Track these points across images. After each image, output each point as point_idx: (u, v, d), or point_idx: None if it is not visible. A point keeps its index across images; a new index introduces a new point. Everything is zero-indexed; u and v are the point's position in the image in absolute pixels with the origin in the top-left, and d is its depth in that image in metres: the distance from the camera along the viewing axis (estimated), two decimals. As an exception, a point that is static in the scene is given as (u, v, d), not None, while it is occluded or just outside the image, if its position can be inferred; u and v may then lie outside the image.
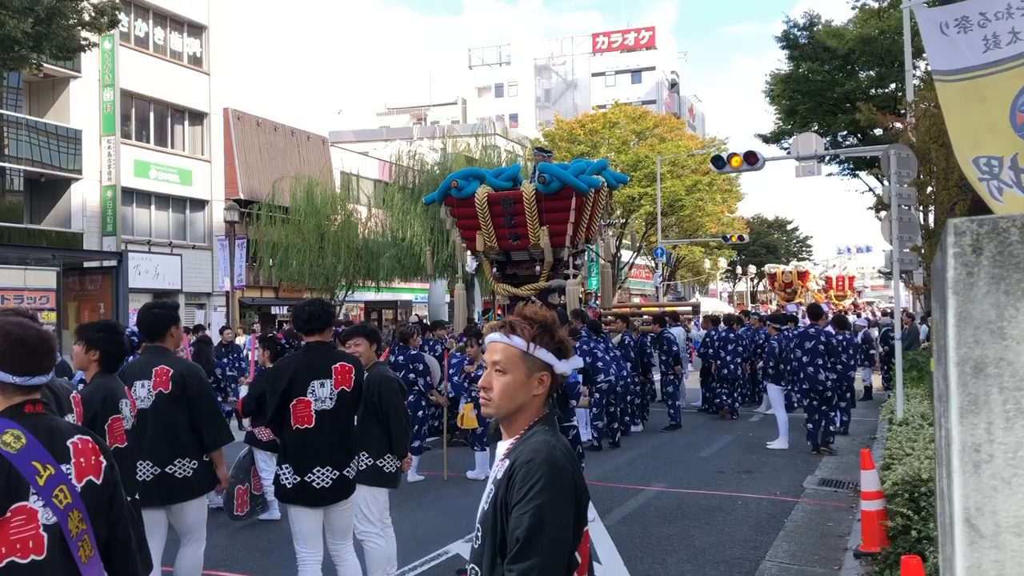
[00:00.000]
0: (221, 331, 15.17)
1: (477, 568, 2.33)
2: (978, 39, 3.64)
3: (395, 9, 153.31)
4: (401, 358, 10.25)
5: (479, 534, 2.35)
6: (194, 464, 4.89)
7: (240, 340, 17.25)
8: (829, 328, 12.19)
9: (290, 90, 46.72)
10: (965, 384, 1.49)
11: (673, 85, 75.11)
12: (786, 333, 12.82)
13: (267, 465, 7.69)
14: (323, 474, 4.83)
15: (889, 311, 25.20)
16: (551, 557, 2.14)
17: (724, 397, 15.30)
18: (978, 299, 1.48)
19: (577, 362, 2.14)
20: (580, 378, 8.26)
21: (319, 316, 5.07)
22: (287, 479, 4.87)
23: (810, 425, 11.68)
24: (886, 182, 11.74)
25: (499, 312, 14.97)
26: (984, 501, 1.48)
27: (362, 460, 5.30)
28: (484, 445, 10.07)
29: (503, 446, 2.40)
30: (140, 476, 4.66)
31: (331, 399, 4.90)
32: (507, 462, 2.31)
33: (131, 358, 6.11)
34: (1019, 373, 1.46)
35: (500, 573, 2.22)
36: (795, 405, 12.43)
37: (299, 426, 4.85)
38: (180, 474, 4.83)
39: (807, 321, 13.38)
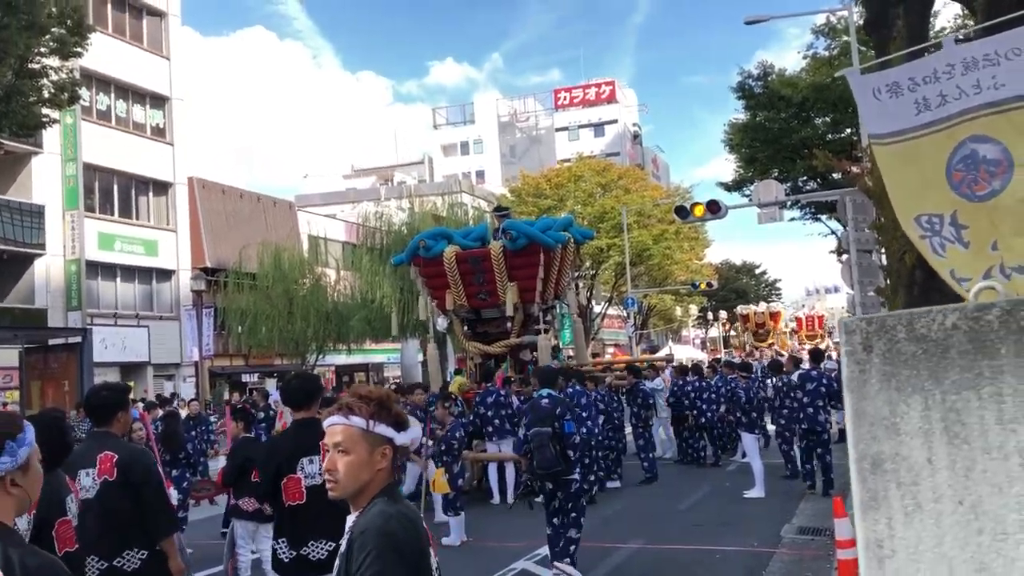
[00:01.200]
0: (188, 403, 14.96)
1: None
2: (909, 103, 3.76)
3: (359, 72, 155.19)
4: None
5: None
6: (142, 555, 4.60)
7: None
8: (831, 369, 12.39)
9: (255, 157, 46.94)
10: (864, 480, 1.50)
11: (636, 137, 76.27)
12: (782, 378, 12.83)
13: (245, 540, 7.54)
14: (319, 547, 4.82)
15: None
16: None
17: (702, 447, 15.32)
18: (871, 396, 1.51)
19: (416, 431, 2.22)
20: (574, 428, 8.36)
21: (305, 391, 5.06)
22: (284, 553, 4.89)
23: (808, 465, 12.03)
24: (846, 226, 11.93)
25: (472, 371, 14.93)
26: (890, 598, 1.48)
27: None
28: (458, 510, 9.94)
29: (349, 520, 2.49)
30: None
31: (320, 475, 4.77)
32: (348, 535, 2.42)
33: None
34: (914, 468, 1.48)
35: None
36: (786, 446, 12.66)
37: (291, 503, 4.88)
38: (129, 567, 4.55)
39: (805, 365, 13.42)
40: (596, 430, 12.49)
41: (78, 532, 4.22)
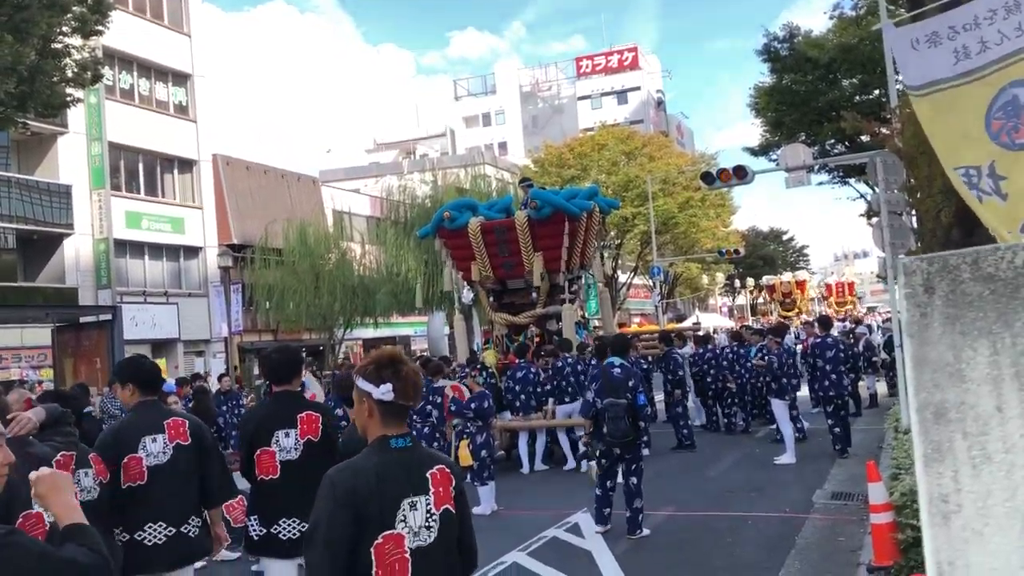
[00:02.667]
0: (219, 379, 15.07)
1: None
2: (948, 52, 3.62)
3: (380, 46, 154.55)
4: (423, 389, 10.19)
5: None
6: (199, 523, 4.69)
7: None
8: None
9: (278, 132, 47.03)
10: (927, 431, 1.41)
11: (659, 104, 75.47)
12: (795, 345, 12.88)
13: None
14: (290, 525, 4.69)
15: (890, 316, 25.10)
16: (321, 550, 2.63)
17: (732, 413, 15.27)
18: (933, 341, 1.41)
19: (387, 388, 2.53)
20: (645, 400, 8.89)
21: (286, 365, 4.94)
22: (254, 530, 4.77)
23: (837, 429, 12.03)
24: (875, 188, 11.71)
25: (497, 342, 14.92)
26: (956, 554, 1.40)
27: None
28: (484, 480, 9.95)
29: None
30: (149, 540, 4.41)
31: (296, 449, 4.73)
32: None
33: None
34: (982, 417, 1.39)
35: None
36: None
37: (264, 477, 4.73)
38: (192, 534, 4.62)
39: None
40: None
41: (146, 498, 4.34)
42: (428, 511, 2.76)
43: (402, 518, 2.71)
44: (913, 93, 3.88)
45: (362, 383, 2.83)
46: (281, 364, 4.93)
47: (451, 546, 2.85)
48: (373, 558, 2.66)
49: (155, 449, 4.51)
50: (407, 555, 2.70)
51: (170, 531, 4.48)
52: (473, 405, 10.29)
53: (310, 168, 39.32)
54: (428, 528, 2.76)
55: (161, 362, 23.76)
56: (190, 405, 11.40)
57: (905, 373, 1.49)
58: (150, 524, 4.43)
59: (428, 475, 2.82)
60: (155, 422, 4.58)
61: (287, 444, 4.73)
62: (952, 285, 1.41)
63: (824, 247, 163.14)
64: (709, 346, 15.74)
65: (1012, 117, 3.51)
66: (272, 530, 4.71)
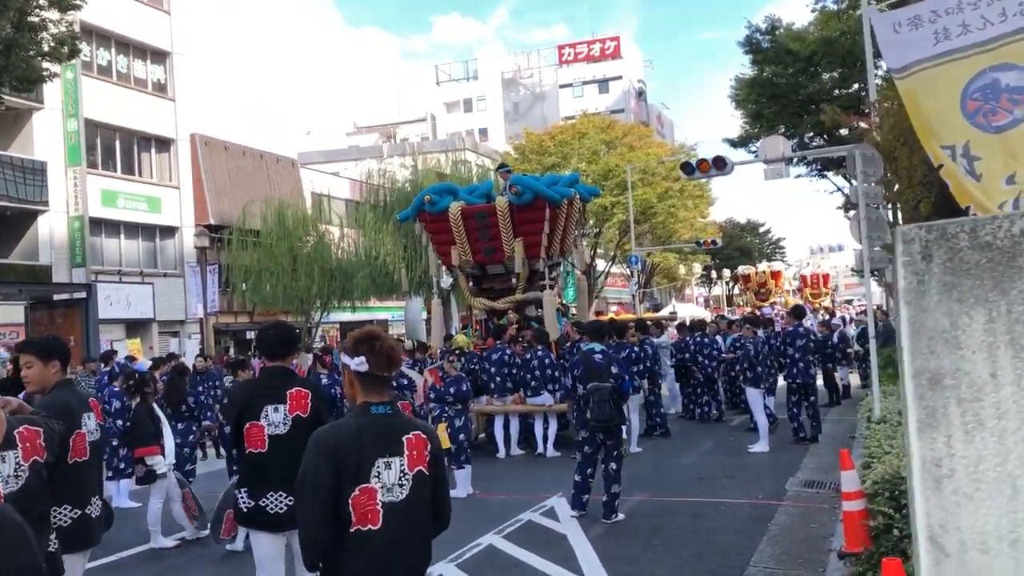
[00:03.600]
0: (195, 358, 14.99)
1: None
2: (928, 33, 3.68)
3: (363, 28, 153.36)
4: None
5: None
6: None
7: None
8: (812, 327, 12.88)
9: (257, 113, 46.56)
10: (922, 397, 1.43)
11: (640, 94, 75.48)
12: (766, 334, 13.01)
13: None
14: (277, 499, 4.75)
15: (864, 309, 25.36)
16: (309, 496, 3.08)
17: (705, 402, 15.35)
18: (930, 308, 1.43)
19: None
20: (629, 387, 9.17)
21: (280, 340, 5.00)
22: (243, 503, 4.85)
23: (803, 417, 12.47)
24: (853, 182, 11.81)
25: (477, 327, 14.91)
26: (948, 518, 1.42)
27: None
28: (461, 463, 9.98)
29: None
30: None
31: (285, 424, 4.78)
32: None
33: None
34: (976, 384, 1.41)
35: None
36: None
37: (252, 450, 4.79)
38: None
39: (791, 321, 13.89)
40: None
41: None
42: (401, 471, 3.15)
43: (376, 474, 3.10)
44: (896, 76, 3.93)
45: (343, 356, 3.26)
46: (277, 339, 4.98)
47: (423, 505, 3.23)
48: (351, 508, 3.07)
49: (276, 419, 4.77)
50: (379, 507, 3.10)
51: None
52: (452, 389, 10.32)
53: (289, 150, 38.94)
54: (400, 486, 3.14)
55: (135, 342, 23.55)
56: (164, 383, 11.33)
57: (902, 343, 1.51)
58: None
59: (404, 439, 3.19)
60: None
61: (276, 419, 4.78)
62: (950, 253, 1.43)
63: (800, 240, 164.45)
64: (696, 334, 15.79)
65: (990, 99, 3.57)
66: (260, 503, 4.77)
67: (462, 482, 9.92)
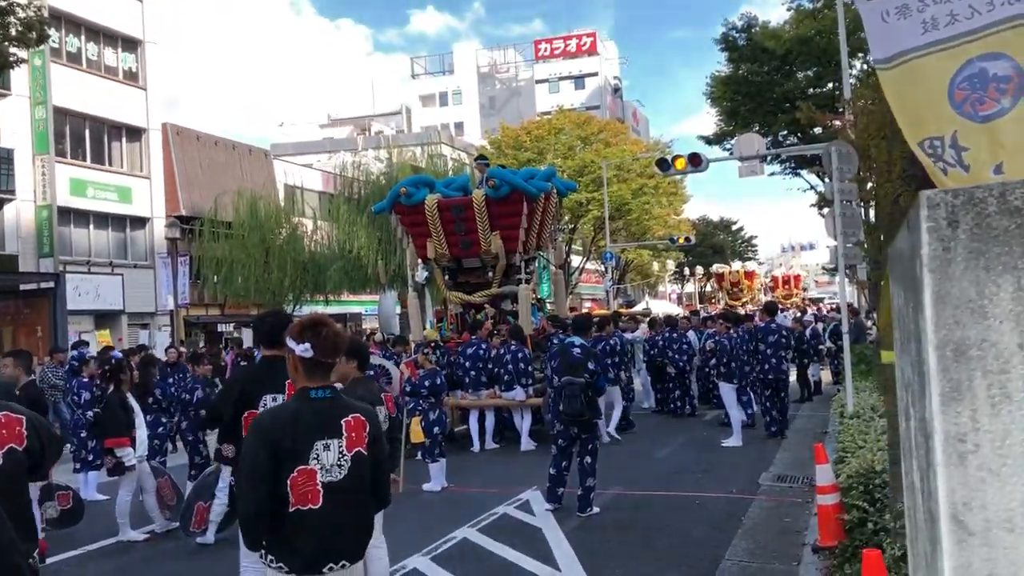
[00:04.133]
0: (166, 350, 14.79)
1: None
2: (917, 23, 3.67)
3: (338, 20, 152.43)
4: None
5: None
6: None
7: None
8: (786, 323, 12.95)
9: (230, 104, 46.12)
10: (947, 369, 1.39)
11: (616, 90, 75.66)
12: (740, 330, 13.04)
13: (227, 485, 7.46)
14: None
15: (836, 307, 25.58)
16: (246, 479, 3.26)
17: (677, 396, 15.38)
18: (956, 276, 1.39)
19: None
20: (605, 383, 8.99)
21: (279, 327, 4.81)
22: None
23: (774, 412, 12.51)
24: (827, 179, 11.87)
25: (452, 321, 14.82)
26: (972, 495, 1.38)
27: None
28: (436, 457, 9.90)
29: None
30: None
31: None
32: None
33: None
34: (1003, 355, 1.37)
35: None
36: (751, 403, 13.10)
37: None
38: None
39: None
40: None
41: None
42: (340, 452, 3.29)
43: (315, 456, 3.23)
44: (881, 67, 3.91)
45: (288, 341, 3.39)
46: (276, 327, 4.86)
47: (363, 485, 3.38)
48: (289, 488, 3.20)
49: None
50: (319, 488, 3.23)
51: None
52: (427, 383, 10.24)
53: (262, 141, 38.62)
54: (339, 467, 3.28)
55: (104, 334, 23.20)
56: (134, 374, 11.14)
57: (920, 313, 1.46)
58: None
59: (343, 422, 3.33)
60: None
61: None
62: (977, 219, 1.39)
63: (773, 238, 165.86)
64: (666, 330, 15.79)
65: (978, 89, 3.56)
66: None
67: (436, 476, 9.85)
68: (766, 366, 12.53)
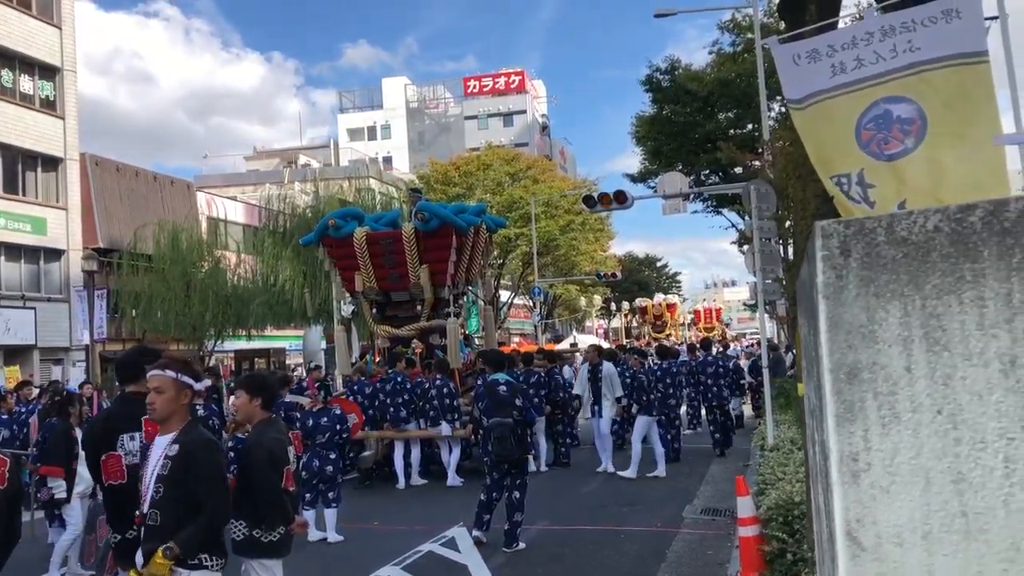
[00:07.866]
0: (81, 386, 14.33)
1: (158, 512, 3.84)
2: (826, 67, 3.86)
3: (268, 53, 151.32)
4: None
5: (161, 488, 3.84)
6: None
7: None
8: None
9: (153, 134, 45.30)
10: (840, 391, 1.46)
11: (544, 128, 76.65)
12: (672, 363, 13.43)
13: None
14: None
15: (756, 343, 26.15)
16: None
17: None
18: (848, 302, 1.47)
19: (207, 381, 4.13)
20: (535, 417, 8.95)
21: (137, 364, 4.56)
22: (113, 538, 4.54)
23: (718, 435, 14.22)
24: (747, 217, 12.22)
25: (378, 356, 14.68)
26: (864, 512, 1.45)
27: (239, 529, 4.71)
28: (331, 502, 9.15)
29: (165, 439, 3.95)
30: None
31: (141, 453, 4.42)
32: (176, 445, 3.87)
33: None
34: (892, 377, 1.45)
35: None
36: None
37: (111, 482, 4.48)
38: None
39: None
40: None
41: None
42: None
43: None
44: (794, 107, 4.10)
45: (186, 379, 4.00)
46: (134, 364, 4.62)
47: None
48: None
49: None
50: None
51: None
52: (323, 421, 9.32)
53: (185, 172, 37.94)
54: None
55: (14, 369, 22.28)
56: (41, 410, 10.72)
57: (817, 338, 1.53)
58: None
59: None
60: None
61: (132, 447, 4.50)
62: (868, 248, 1.47)
63: (696, 275, 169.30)
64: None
65: (883, 129, 3.75)
66: (127, 536, 4.43)
67: (331, 524, 9.06)
68: (708, 394, 14.75)
